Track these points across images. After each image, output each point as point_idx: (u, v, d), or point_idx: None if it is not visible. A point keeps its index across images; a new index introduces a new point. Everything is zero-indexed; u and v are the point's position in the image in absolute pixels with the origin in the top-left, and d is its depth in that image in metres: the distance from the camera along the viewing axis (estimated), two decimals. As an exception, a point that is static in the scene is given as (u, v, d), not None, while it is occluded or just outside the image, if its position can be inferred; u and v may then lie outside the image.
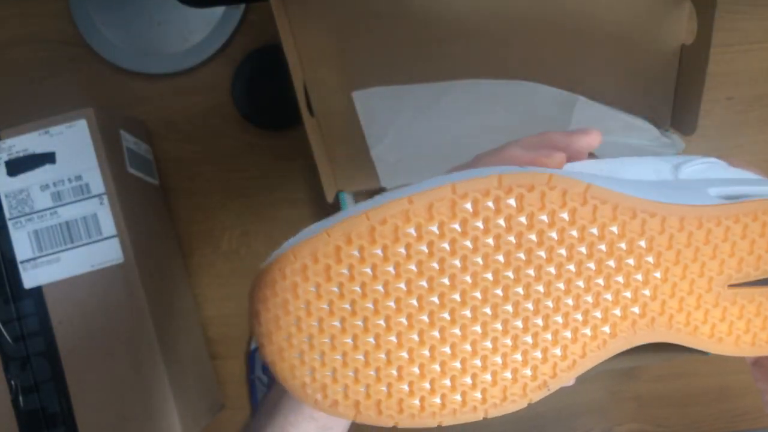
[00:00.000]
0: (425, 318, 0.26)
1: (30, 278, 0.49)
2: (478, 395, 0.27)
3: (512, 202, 0.25)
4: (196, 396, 0.55)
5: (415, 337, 0.26)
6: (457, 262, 0.26)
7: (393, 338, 0.26)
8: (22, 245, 0.49)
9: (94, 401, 0.49)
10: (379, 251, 0.25)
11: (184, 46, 0.60)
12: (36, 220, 0.49)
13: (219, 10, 0.60)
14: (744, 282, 0.29)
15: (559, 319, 0.27)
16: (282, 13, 0.48)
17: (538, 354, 0.27)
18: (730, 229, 0.28)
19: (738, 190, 0.30)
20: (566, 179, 0.26)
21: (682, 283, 0.28)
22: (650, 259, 0.28)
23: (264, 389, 0.60)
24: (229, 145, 0.61)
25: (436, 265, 0.26)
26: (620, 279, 0.27)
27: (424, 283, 0.26)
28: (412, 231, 0.25)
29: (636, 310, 0.28)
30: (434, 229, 0.25)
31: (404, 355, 0.26)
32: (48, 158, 0.50)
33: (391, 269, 0.25)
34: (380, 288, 0.26)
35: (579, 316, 0.27)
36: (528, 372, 0.28)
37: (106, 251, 0.50)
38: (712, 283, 0.29)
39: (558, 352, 0.28)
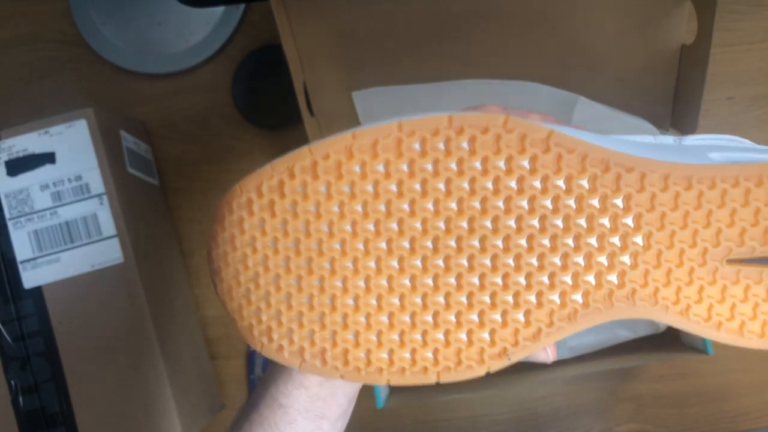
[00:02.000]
0: (372, 264, 0.25)
1: (30, 278, 0.49)
2: (429, 355, 0.26)
3: (465, 144, 0.24)
4: (196, 396, 0.55)
5: (362, 283, 0.25)
6: (406, 207, 0.24)
7: (338, 282, 0.25)
8: (22, 245, 0.49)
9: (94, 401, 0.49)
10: (322, 188, 0.24)
11: (184, 46, 0.60)
12: (36, 220, 0.49)
13: (219, 10, 0.60)
14: (749, 258, 0.25)
15: (522, 280, 0.25)
16: (282, 13, 0.48)
17: (497, 317, 0.25)
18: (727, 193, 0.25)
19: (745, 157, 0.26)
20: (525, 123, 0.24)
21: (670, 252, 0.25)
22: (629, 221, 0.25)
23: (264, 389, 0.60)
24: (229, 145, 0.61)
25: (383, 208, 0.25)
26: (593, 242, 0.25)
27: (371, 227, 0.25)
28: (356, 169, 0.24)
29: (613, 279, 0.25)
30: (380, 168, 0.24)
31: (350, 302, 0.25)
32: (48, 158, 0.50)
33: (335, 209, 0.25)
34: (325, 228, 0.25)
35: (545, 279, 0.25)
36: (485, 336, 0.25)
37: (106, 251, 0.50)
38: (706, 256, 0.25)
39: (520, 317, 0.25)
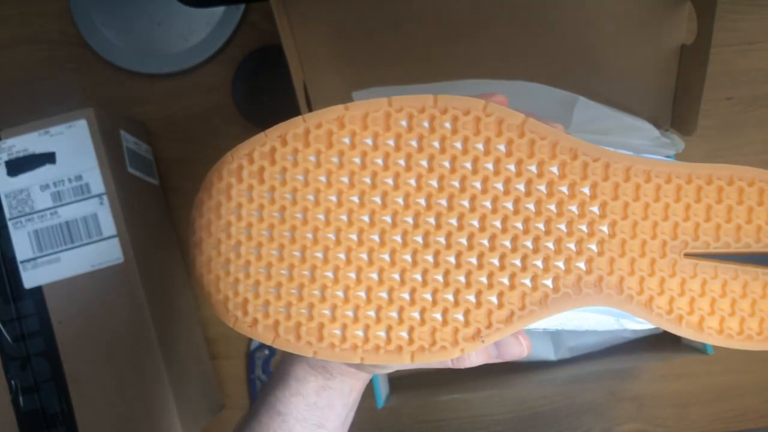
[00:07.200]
0: (354, 237, 0.26)
1: (30, 278, 0.49)
2: (405, 334, 0.26)
3: (447, 124, 0.25)
4: (196, 396, 0.55)
5: (342, 256, 0.26)
6: (390, 181, 0.25)
7: (319, 254, 0.26)
8: (22, 245, 0.49)
9: (94, 401, 0.49)
10: (312, 157, 0.25)
11: (184, 46, 0.60)
12: (36, 220, 0.49)
13: (219, 10, 0.60)
14: (705, 253, 0.27)
15: (495, 261, 0.25)
16: (282, 13, 0.48)
17: (472, 297, 0.26)
18: (682, 188, 0.26)
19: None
20: (503, 109, 0.25)
21: (633, 242, 0.26)
22: (595, 209, 0.26)
23: (264, 389, 0.60)
24: (229, 145, 0.60)
25: (368, 180, 0.25)
26: (563, 227, 0.26)
27: (355, 199, 0.25)
28: (346, 140, 0.25)
29: (581, 265, 0.26)
30: (368, 141, 0.25)
31: (329, 274, 0.26)
32: (48, 158, 0.50)
33: (323, 179, 0.25)
34: (311, 197, 0.25)
35: (517, 262, 0.26)
36: (460, 316, 0.26)
37: (106, 251, 0.50)
38: (666, 248, 0.26)
39: (494, 299, 0.26)
